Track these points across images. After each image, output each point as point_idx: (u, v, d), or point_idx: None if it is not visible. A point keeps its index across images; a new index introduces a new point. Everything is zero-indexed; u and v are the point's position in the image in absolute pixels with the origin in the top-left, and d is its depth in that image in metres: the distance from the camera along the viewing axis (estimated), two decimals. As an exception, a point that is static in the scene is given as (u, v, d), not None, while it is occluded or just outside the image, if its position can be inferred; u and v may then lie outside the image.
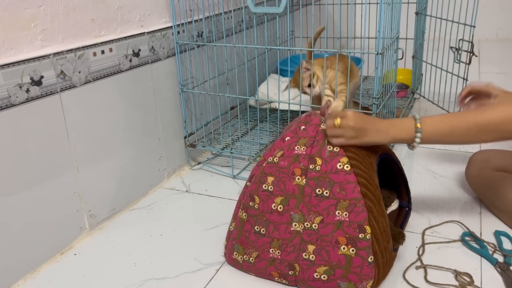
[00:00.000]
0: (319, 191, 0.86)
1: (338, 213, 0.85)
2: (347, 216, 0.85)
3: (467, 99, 1.17)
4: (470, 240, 1.04)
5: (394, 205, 1.13)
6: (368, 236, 0.84)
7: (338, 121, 0.87)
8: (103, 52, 1.11)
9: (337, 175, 0.85)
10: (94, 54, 1.09)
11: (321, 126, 0.90)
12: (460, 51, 1.56)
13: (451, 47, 1.59)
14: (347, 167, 0.85)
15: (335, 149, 0.87)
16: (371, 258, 0.84)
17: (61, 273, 1.01)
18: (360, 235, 0.84)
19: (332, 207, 0.85)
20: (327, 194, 0.86)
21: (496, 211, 1.13)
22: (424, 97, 1.92)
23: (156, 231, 1.14)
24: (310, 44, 1.37)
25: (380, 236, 0.85)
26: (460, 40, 1.55)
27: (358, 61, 1.95)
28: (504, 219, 1.10)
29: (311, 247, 0.87)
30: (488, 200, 1.15)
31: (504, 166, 1.09)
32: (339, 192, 0.85)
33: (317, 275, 0.87)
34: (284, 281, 0.92)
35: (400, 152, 1.50)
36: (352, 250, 0.84)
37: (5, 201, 0.94)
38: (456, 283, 0.91)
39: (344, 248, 0.85)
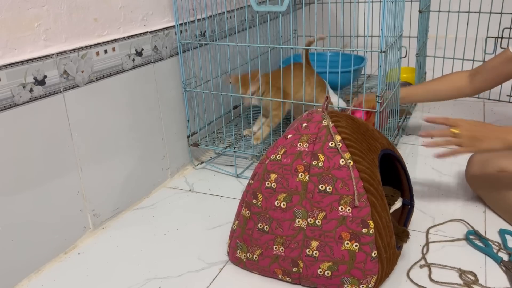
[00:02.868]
0: (322, 187, 0.86)
1: (341, 208, 0.85)
2: (350, 211, 0.84)
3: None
4: (475, 238, 1.03)
5: (398, 204, 1.13)
6: (371, 231, 0.84)
7: (456, 130, 0.86)
8: (106, 51, 1.11)
9: (340, 171, 0.85)
10: (97, 53, 1.09)
11: (323, 122, 0.90)
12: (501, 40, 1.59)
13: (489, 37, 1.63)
14: (349, 162, 0.85)
15: (337, 144, 0.87)
16: (374, 253, 0.84)
17: (65, 273, 1.01)
18: (363, 230, 0.84)
19: (335, 203, 0.85)
20: (330, 190, 0.85)
21: (499, 211, 1.12)
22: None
23: (159, 230, 1.14)
24: (309, 42, 1.37)
25: (383, 231, 0.85)
26: (504, 28, 1.61)
27: (361, 59, 1.94)
28: (507, 219, 1.09)
29: (314, 243, 0.87)
30: (490, 201, 1.14)
31: (505, 166, 1.09)
32: (342, 187, 0.85)
33: (320, 271, 0.87)
34: (287, 278, 0.92)
35: (404, 150, 1.50)
36: (356, 246, 0.84)
37: (9, 200, 0.94)
38: (461, 282, 0.91)
39: (347, 244, 0.85)
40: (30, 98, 0.95)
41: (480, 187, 1.15)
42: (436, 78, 1.50)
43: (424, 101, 1.72)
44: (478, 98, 1.88)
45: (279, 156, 0.91)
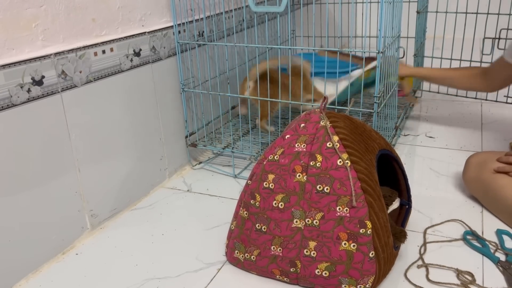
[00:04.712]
0: (319, 187, 0.86)
1: (339, 209, 0.85)
2: (347, 211, 0.85)
3: None
4: (472, 239, 1.04)
5: (396, 204, 1.13)
6: (369, 231, 0.84)
7: None
8: (104, 52, 1.11)
9: (338, 171, 0.85)
10: (95, 54, 1.09)
11: (321, 123, 0.90)
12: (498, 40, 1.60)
13: (486, 38, 1.64)
14: (347, 163, 0.85)
15: (335, 145, 0.87)
16: (372, 254, 0.84)
17: (63, 273, 1.01)
18: (361, 231, 0.84)
19: (333, 203, 0.85)
20: (328, 191, 0.86)
21: (496, 212, 1.12)
22: (430, 91, 1.92)
23: (157, 230, 1.15)
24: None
25: (381, 231, 0.85)
26: (501, 29, 1.63)
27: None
28: (504, 219, 1.09)
29: (312, 244, 0.87)
30: (487, 202, 1.15)
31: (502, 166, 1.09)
32: (340, 188, 0.85)
33: (318, 272, 0.87)
34: (285, 278, 0.92)
35: (402, 150, 1.50)
36: (353, 246, 0.84)
37: (7, 201, 0.94)
38: (458, 282, 0.91)
39: (345, 244, 0.85)
40: (28, 99, 0.95)
41: (478, 189, 1.16)
42: (454, 68, 1.55)
43: (440, 85, 1.71)
44: (476, 98, 1.88)
45: (277, 157, 0.91)
